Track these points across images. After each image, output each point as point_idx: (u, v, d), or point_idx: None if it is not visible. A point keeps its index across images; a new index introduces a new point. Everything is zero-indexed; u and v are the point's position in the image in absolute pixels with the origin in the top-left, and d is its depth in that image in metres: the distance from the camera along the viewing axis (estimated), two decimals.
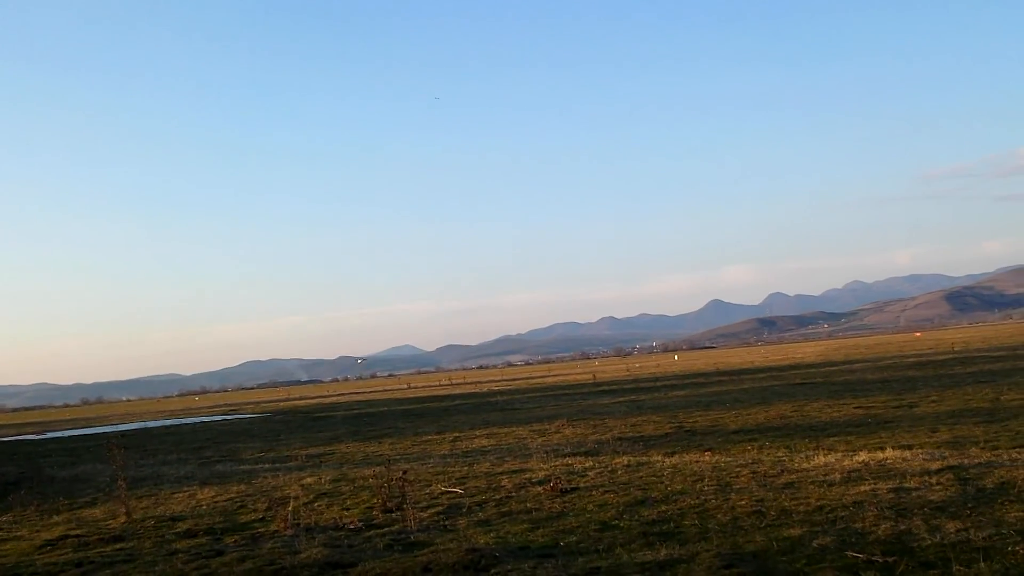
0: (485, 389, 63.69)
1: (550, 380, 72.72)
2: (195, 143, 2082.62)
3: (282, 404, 71.98)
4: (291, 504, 12.30)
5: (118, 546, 10.92)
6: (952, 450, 13.18)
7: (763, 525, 8.96)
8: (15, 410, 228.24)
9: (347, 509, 12.28)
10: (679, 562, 7.74)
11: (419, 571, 8.22)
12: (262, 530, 11.21)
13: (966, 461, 11.89)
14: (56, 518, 13.93)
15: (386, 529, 10.53)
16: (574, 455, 16.48)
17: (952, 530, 8.07)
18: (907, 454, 12.94)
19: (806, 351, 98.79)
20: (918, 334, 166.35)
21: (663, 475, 12.82)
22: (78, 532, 12.19)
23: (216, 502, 14.08)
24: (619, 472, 13.52)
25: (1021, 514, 8.53)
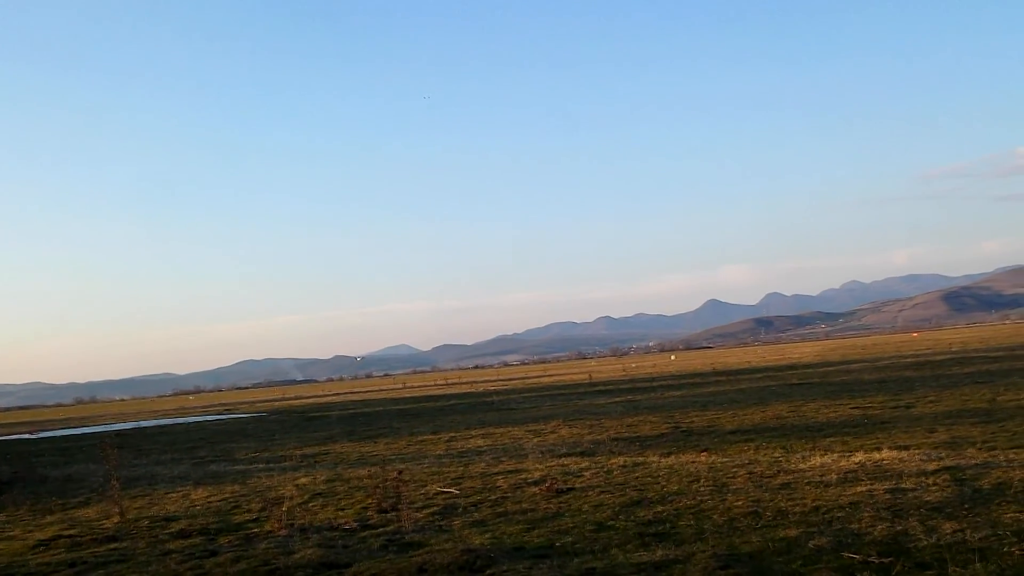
0: (481, 389, 63.65)
1: (546, 380, 72.71)
2: (191, 142, 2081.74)
3: (277, 404, 71.87)
4: (285, 504, 12.26)
5: (112, 546, 10.87)
6: (949, 451, 13.17)
7: (759, 526, 8.94)
8: (7, 409, 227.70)
9: (342, 509, 12.24)
10: (675, 563, 7.71)
11: (414, 572, 8.18)
12: (256, 530, 11.16)
13: (963, 462, 11.89)
14: (49, 518, 13.87)
15: (381, 529, 10.50)
16: (570, 455, 16.46)
17: (948, 531, 8.06)
18: (904, 455, 12.93)
19: (803, 351, 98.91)
20: (915, 334, 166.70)
21: (659, 476, 12.80)
22: (71, 532, 12.13)
23: (210, 502, 14.03)
24: (615, 472, 13.50)
25: (1017, 515, 8.52)
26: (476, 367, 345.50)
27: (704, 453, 15.14)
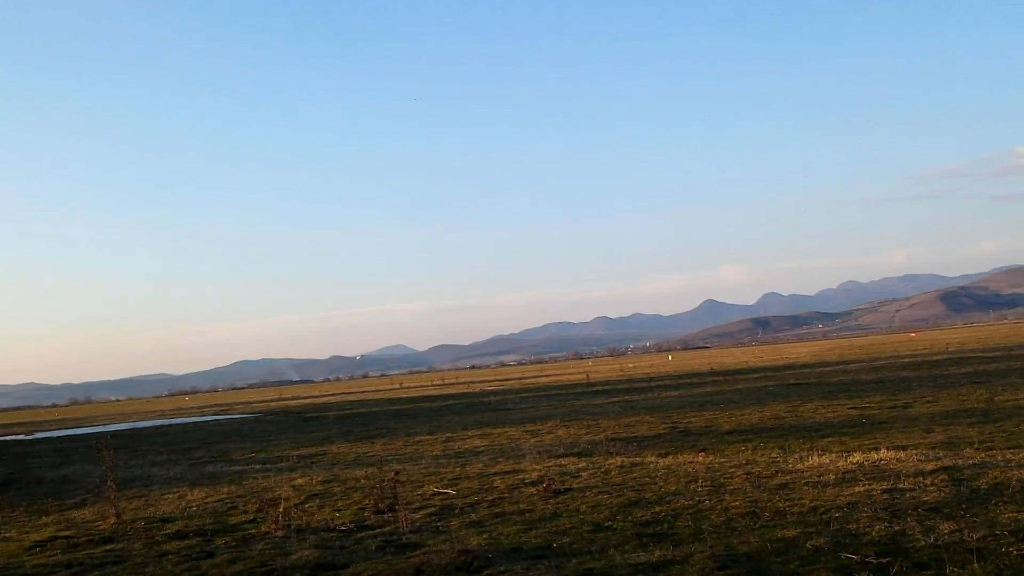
0: (478, 389, 63.64)
1: (543, 380, 72.70)
2: (187, 142, 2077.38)
3: (273, 404, 71.79)
4: (282, 505, 12.21)
5: (108, 547, 10.84)
6: (946, 451, 13.17)
7: (757, 526, 8.93)
8: (3, 410, 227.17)
9: (338, 510, 12.21)
10: (673, 563, 7.70)
11: (411, 573, 8.16)
12: (253, 531, 11.13)
13: (960, 462, 11.89)
14: (45, 519, 13.83)
15: (378, 530, 10.47)
16: (567, 456, 16.44)
17: (946, 531, 8.05)
18: (901, 455, 12.93)
19: (800, 351, 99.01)
20: (913, 334, 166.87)
21: (657, 476, 12.79)
22: (67, 533, 12.09)
23: (206, 503, 14.00)
24: (613, 473, 13.49)
25: (1015, 515, 8.52)
26: (473, 367, 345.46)
27: (702, 453, 15.13)
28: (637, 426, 21.60)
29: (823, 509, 9.46)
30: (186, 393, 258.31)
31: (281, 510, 11.72)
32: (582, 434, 20.71)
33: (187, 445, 29.12)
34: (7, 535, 12.54)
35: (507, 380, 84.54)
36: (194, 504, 14.02)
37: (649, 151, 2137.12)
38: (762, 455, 14.33)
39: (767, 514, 9.46)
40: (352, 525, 10.88)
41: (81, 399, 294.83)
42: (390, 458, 18.72)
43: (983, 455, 12.47)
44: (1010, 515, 8.52)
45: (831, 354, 73.38)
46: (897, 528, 8.32)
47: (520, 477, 13.87)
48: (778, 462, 13.26)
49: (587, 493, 11.80)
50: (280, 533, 10.73)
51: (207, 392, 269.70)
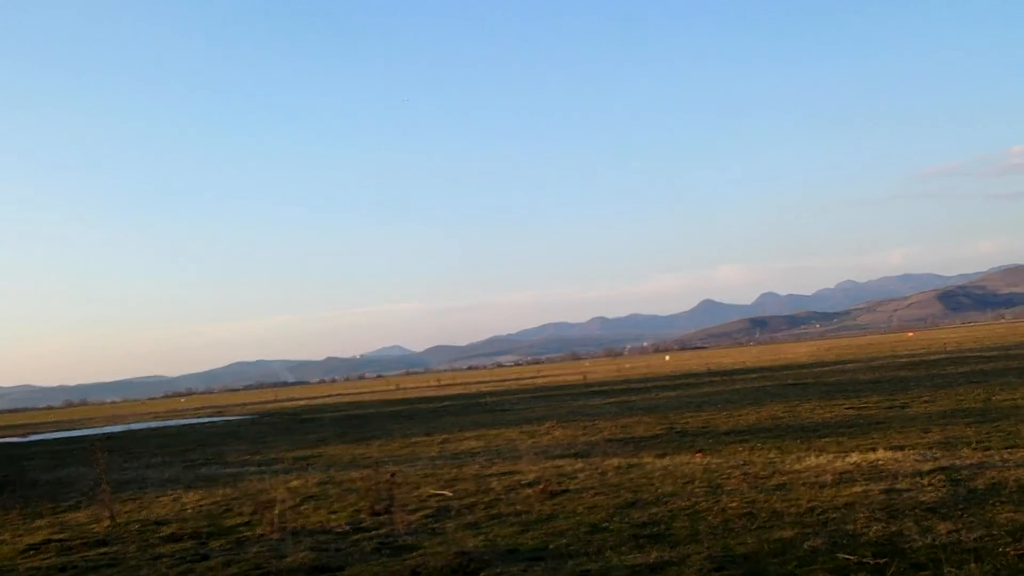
0: (474, 390, 63.60)
1: (540, 381, 72.68)
2: (182, 143, 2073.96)
3: (269, 406, 71.64)
4: (277, 507, 12.16)
5: (102, 550, 10.78)
6: (944, 451, 13.16)
7: (754, 527, 8.91)
8: None
9: (334, 512, 12.17)
10: (669, 564, 7.67)
11: (407, 575, 8.12)
12: (248, 534, 11.09)
13: (957, 462, 11.87)
14: (39, 522, 13.76)
15: (374, 532, 10.43)
16: (564, 457, 16.41)
17: (943, 531, 8.04)
18: (899, 455, 12.92)
19: (798, 351, 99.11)
20: (910, 334, 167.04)
21: (654, 477, 12.76)
22: (62, 536, 12.03)
23: (201, 506, 13.95)
24: (609, 474, 13.46)
25: (1012, 515, 8.50)
26: (470, 368, 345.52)
27: (699, 454, 15.11)
28: (634, 427, 21.58)
29: (820, 510, 9.44)
30: (181, 395, 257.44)
31: (276, 512, 11.68)
32: (579, 435, 20.68)
33: (182, 447, 29.04)
34: (1, 538, 12.48)
35: (504, 381, 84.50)
36: (189, 506, 13.97)
37: (646, 151, 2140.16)
38: (759, 456, 14.31)
39: (764, 515, 9.43)
40: (348, 527, 10.84)
41: (76, 401, 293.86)
42: (386, 460, 18.67)
43: (980, 455, 12.46)
44: (1007, 515, 8.51)
45: (829, 354, 73.47)
46: (894, 528, 8.30)
47: (517, 478, 13.84)
48: (775, 463, 13.24)
49: (584, 494, 11.77)
50: (276, 535, 10.69)
51: (202, 394, 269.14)
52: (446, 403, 46.33)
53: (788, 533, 8.46)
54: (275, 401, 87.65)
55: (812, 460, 13.05)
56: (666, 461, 14.49)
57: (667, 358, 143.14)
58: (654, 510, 10.25)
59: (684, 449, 16.13)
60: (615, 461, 14.91)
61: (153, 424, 54.32)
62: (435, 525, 10.55)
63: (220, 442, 30.10)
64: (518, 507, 11.28)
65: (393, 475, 12.89)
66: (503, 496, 12.27)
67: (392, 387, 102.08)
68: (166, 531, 11.76)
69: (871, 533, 8.20)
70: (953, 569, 6.84)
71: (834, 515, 9.12)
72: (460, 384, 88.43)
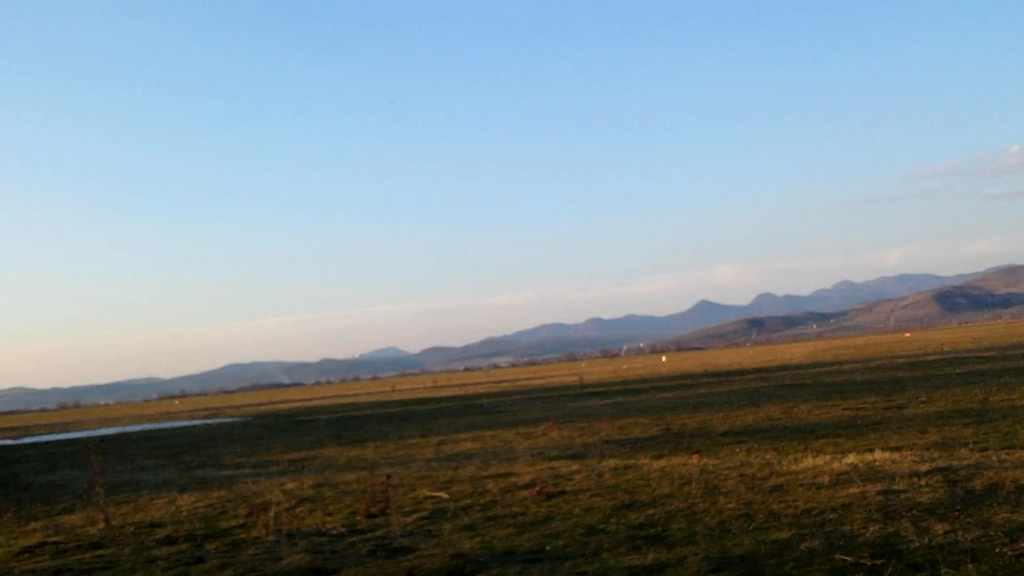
0: (470, 391, 63.56)
1: (536, 382, 72.66)
2: (177, 144, 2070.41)
3: (263, 408, 71.52)
4: (273, 510, 12.11)
5: (97, 553, 10.72)
6: (941, 451, 13.15)
7: (751, 528, 8.88)
8: None
9: (330, 514, 12.13)
10: (666, 566, 7.64)
11: None
12: (243, 536, 11.03)
13: (955, 463, 11.86)
14: (34, 524, 13.70)
15: (369, 534, 10.39)
16: (560, 458, 16.38)
17: (940, 532, 8.02)
18: (896, 456, 12.91)
19: (795, 352, 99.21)
20: (907, 334, 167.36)
21: (650, 478, 12.73)
22: (56, 539, 11.97)
23: (196, 508, 13.89)
24: (606, 475, 13.43)
25: (1009, 516, 8.49)
26: (466, 369, 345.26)
27: (695, 455, 15.08)
28: (631, 428, 21.56)
29: (817, 511, 9.42)
30: (175, 397, 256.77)
31: (272, 514, 11.63)
32: (575, 436, 20.65)
33: (176, 449, 28.96)
34: None
35: (500, 382, 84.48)
36: (184, 509, 13.91)
37: (642, 151, 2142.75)
38: (756, 457, 14.29)
39: (761, 516, 9.41)
40: (343, 529, 10.80)
41: (70, 403, 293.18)
42: (382, 461, 18.63)
43: (978, 456, 12.45)
44: (1004, 516, 8.49)
45: (825, 355, 73.56)
46: (891, 529, 8.28)
47: (513, 480, 13.80)
48: (772, 464, 13.22)
49: (580, 496, 11.74)
50: (271, 538, 10.64)
51: (196, 396, 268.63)
52: (442, 405, 46.29)
53: (785, 534, 8.44)
54: (270, 403, 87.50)
55: (809, 461, 13.03)
56: (663, 462, 14.47)
57: (664, 359, 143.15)
58: (651, 511, 10.22)
59: (681, 450, 16.10)
60: (612, 462, 14.88)
61: (147, 426, 54.16)
62: (431, 527, 10.51)
63: (215, 444, 30.01)
64: (514, 509, 11.25)
65: (389, 477, 12.86)
66: (499, 498, 12.23)
67: (388, 389, 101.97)
68: (161, 533, 11.70)
69: (868, 534, 8.18)
70: (950, 570, 6.82)
71: (831, 516, 9.10)
72: (456, 385, 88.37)
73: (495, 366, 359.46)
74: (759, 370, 54.12)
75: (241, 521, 12.18)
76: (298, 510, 12.73)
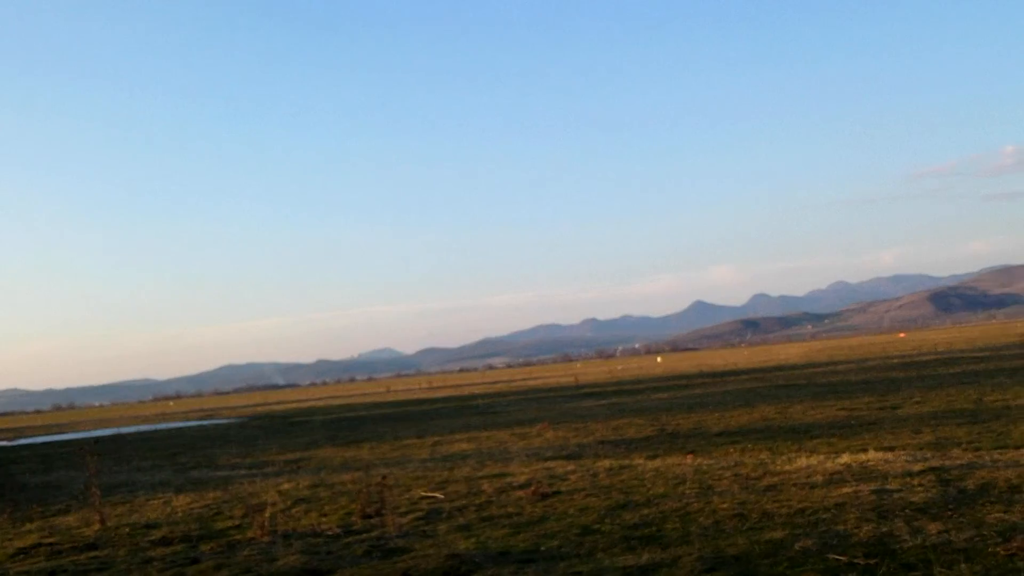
0: (466, 392, 63.55)
1: (532, 383, 72.69)
2: (173, 145, 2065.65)
3: (259, 409, 71.41)
4: (268, 510, 12.11)
5: (92, 554, 10.72)
6: (935, 451, 13.19)
7: (745, 528, 8.91)
8: None
9: (325, 515, 12.13)
10: (661, 566, 7.66)
11: None
12: (239, 537, 11.03)
13: (948, 462, 11.91)
14: (29, 526, 13.67)
15: (365, 535, 10.40)
16: (556, 459, 16.40)
17: (934, 531, 8.05)
18: (890, 456, 12.95)
19: (789, 352, 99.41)
20: (902, 335, 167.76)
21: (645, 478, 12.76)
22: (51, 540, 11.95)
23: (192, 509, 13.88)
24: (601, 476, 13.45)
25: (1002, 515, 8.52)
26: (461, 370, 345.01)
27: (690, 455, 15.11)
28: (626, 428, 21.59)
29: (811, 510, 9.45)
30: (171, 398, 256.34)
31: (267, 515, 11.63)
32: (570, 437, 20.67)
33: (172, 450, 28.92)
34: None
35: (495, 383, 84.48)
36: (179, 510, 13.90)
37: (641, 151, 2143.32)
38: (750, 457, 14.32)
39: (755, 516, 9.44)
40: (339, 530, 10.80)
41: (64, 405, 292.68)
42: (377, 462, 18.64)
43: (971, 456, 12.49)
44: (997, 515, 8.53)
45: (820, 355, 73.72)
46: (885, 529, 8.32)
47: (508, 480, 13.82)
48: (766, 464, 13.26)
49: (575, 496, 11.76)
50: (266, 539, 10.64)
51: (192, 397, 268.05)
52: (437, 405, 46.27)
53: (779, 534, 8.47)
54: (265, 404, 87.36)
55: (803, 461, 13.07)
56: (657, 463, 14.49)
57: (659, 360, 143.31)
58: (645, 512, 10.25)
59: (675, 450, 16.13)
60: (606, 463, 14.91)
61: (142, 427, 54.07)
62: (426, 527, 10.52)
63: (210, 445, 29.97)
64: (509, 509, 11.26)
65: (384, 478, 12.85)
66: (494, 498, 12.25)
67: (383, 389, 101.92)
68: (156, 534, 11.70)
69: (862, 533, 8.21)
70: (943, 569, 6.85)
71: (825, 516, 9.13)
72: (451, 386, 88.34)
73: (491, 367, 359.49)
74: (754, 370, 54.21)
75: (237, 522, 12.18)
76: (294, 511, 12.73)
